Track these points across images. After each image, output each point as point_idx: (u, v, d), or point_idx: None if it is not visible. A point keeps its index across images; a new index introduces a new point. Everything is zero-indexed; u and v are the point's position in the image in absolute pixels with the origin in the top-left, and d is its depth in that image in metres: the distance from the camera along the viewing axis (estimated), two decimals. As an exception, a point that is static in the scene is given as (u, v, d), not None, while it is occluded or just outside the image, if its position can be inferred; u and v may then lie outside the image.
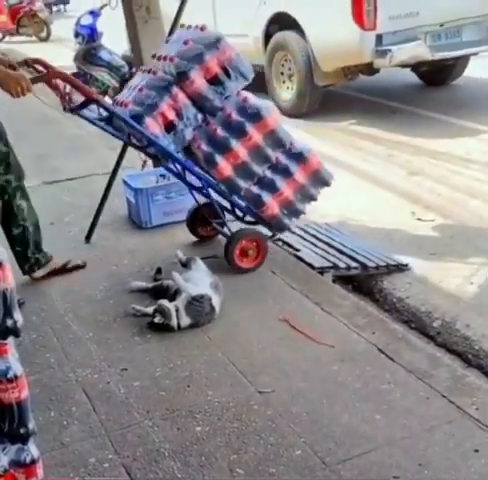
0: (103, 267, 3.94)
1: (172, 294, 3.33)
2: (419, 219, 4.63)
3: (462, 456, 2.33)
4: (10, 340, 1.79)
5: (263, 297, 3.49)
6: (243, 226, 3.83)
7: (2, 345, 1.77)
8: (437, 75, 7.91)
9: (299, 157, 3.66)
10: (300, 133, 6.79)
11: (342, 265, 3.85)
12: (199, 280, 3.38)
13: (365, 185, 5.32)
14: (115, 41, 8.06)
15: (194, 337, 3.17)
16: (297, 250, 4.01)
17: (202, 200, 3.98)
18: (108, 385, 2.86)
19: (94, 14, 7.56)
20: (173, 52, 3.51)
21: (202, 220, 4.11)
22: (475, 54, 7.33)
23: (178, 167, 3.76)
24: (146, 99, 3.44)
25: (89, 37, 7.49)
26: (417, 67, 7.57)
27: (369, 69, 6.95)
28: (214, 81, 3.49)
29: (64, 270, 3.87)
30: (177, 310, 3.19)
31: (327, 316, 3.27)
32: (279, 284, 3.62)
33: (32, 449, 1.85)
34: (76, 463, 2.43)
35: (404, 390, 2.68)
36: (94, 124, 3.65)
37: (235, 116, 3.53)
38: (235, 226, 3.82)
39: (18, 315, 1.76)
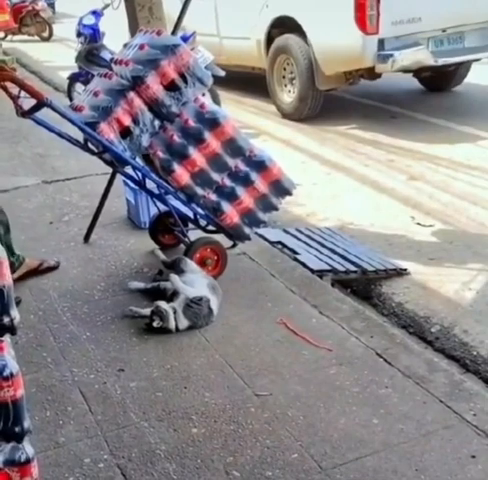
0: (101, 267, 3.92)
1: (170, 295, 3.32)
2: (419, 224, 4.62)
3: (459, 462, 2.32)
4: (6, 338, 1.78)
5: (261, 300, 3.48)
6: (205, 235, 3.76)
7: (-1, 342, 1.76)
8: (439, 81, 7.91)
9: (260, 165, 3.60)
10: (301, 137, 6.82)
11: (341, 269, 3.85)
12: (196, 282, 3.37)
13: (365, 189, 5.32)
14: (117, 41, 8.05)
15: (192, 339, 3.16)
16: (296, 253, 4.00)
17: (165, 208, 3.87)
18: (105, 385, 2.85)
19: (96, 14, 7.52)
20: (129, 56, 3.44)
21: (165, 228, 4.04)
22: (477, 60, 7.34)
23: (139, 174, 3.68)
24: (101, 103, 3.36)
25: (91, 37, 7.45)
26: (419, 73, 7.57)
27: (371, 74, 6.94)
28: (171, 87, 3.42)
29: (37, 271, 3.84)
30: (175, 312, 3.18)
31: (325, 320, 3.27)
32: (278, 287, 3.61)
33: (27, 448, 1.84)
34: (71, 463, 2.42)
35: (401, 395, 2.68)
36: (49, 129, 3.43)
37: (192, 123, 3.46)
38: (198, 235, 3.76)
39: (15, 312, 1.76)
